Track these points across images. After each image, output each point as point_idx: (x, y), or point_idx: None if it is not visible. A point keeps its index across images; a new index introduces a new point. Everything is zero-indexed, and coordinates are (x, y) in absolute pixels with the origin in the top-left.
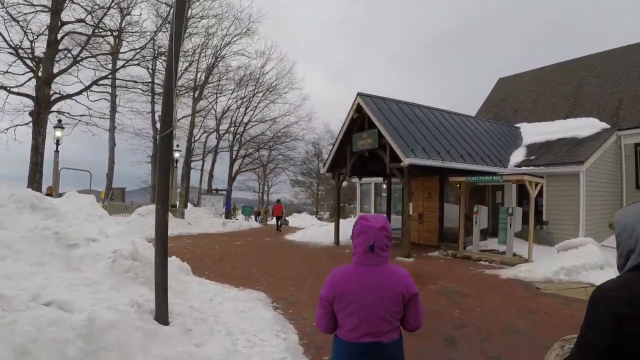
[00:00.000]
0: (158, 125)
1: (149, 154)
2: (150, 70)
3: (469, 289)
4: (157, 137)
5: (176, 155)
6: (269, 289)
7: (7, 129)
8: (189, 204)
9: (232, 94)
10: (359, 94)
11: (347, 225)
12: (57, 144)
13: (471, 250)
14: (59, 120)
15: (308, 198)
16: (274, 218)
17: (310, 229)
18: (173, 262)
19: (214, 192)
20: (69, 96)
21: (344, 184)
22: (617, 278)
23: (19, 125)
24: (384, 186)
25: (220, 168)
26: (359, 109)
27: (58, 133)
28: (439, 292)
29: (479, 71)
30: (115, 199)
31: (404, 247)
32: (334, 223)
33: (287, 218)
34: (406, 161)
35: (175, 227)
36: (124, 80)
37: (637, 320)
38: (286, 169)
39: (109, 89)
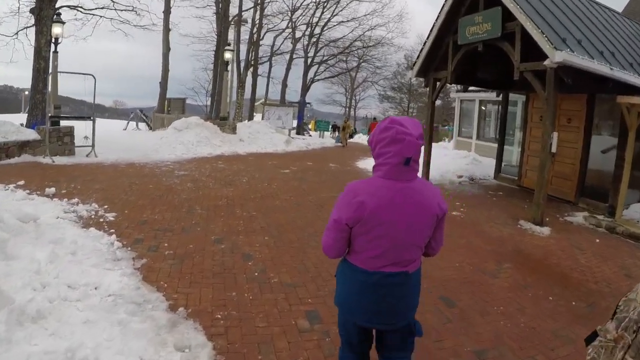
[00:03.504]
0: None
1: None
2: None
3: None
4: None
5: (227, 55)
6: (234, 327)
7: (17, 32)
8: (258, 116)
9: None
10: None
11: (439, 155)
12: (56, 43)
13: (632, 219)
14: (58, 14)
15: (397, 115)
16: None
17: None
18: None
19: (295, 104)
20: None
21: (438, 102)
22: None
23: (27, 27)
24: (488, 106)
25: (294, 75)
26: None
27: (57, 29)
28: None
29: None
30: (172, 110)
31: (535, 206)
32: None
33: None
34: (556, 57)
35: (220, 145)
36: None
37: None
38: (375, 82)
39: None
